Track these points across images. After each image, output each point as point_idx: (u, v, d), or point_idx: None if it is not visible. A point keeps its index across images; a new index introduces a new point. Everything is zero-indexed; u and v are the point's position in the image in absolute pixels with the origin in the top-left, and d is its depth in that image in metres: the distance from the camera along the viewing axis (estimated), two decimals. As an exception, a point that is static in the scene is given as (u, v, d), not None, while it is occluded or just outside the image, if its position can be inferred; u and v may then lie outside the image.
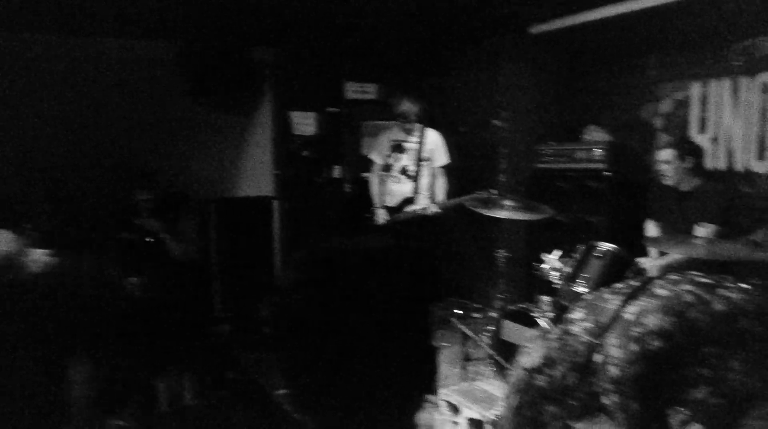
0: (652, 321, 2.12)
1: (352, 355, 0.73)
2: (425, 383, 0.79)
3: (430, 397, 3.85)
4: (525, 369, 2.23)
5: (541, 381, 2.19)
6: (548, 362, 2.17)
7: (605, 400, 2.17)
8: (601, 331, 2.21)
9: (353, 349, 0.73)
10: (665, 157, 3.67)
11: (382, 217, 4.96)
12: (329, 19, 5.19)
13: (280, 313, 0.75)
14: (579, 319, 2.33)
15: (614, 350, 2.14)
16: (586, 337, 2.21)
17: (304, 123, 5.82)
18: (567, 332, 2.28)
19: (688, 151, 3.63)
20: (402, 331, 0.75)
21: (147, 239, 4.10)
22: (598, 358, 2.21)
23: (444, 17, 5.48)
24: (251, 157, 5.65)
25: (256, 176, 5.69)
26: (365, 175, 5.90)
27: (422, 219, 4.84)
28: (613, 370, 2.14)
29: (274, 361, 0.77)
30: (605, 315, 2.27)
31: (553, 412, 2.22)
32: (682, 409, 2.11)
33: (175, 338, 4.18)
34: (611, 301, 2.32)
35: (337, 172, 6.01)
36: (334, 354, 0.72)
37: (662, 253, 3.79)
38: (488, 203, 4.15)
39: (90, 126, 4.88)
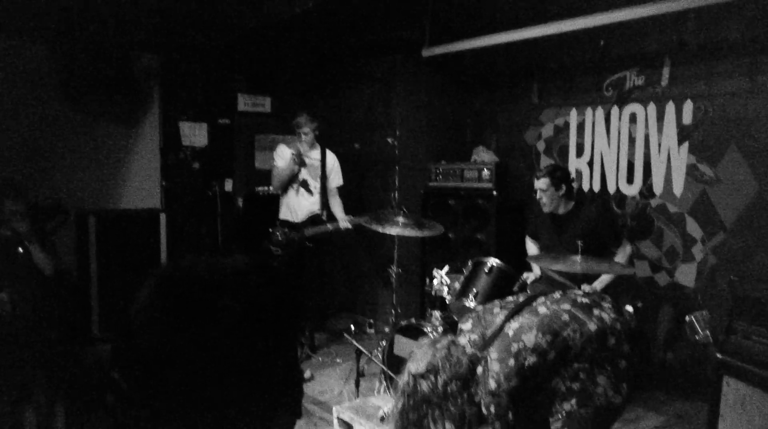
0: (529, 338, 2.25)
1: (208, 382, 0.70)
2: (289, 408, 0.77)
3: (321, 414, 3.80)
4: (411, 374, 2.30)
5: (425, 387, 2.25)
6: (433, 370, 2.24)
7: (484, 410, 2.26)
8: (485, 344, 2.32)
9: (210, 376, 0.70)
10: (541, 185, 3.90)
11: (281, 234, 4.87)
12: (220, 28, 5.10)
13: (127, 340, 0.71)
14: (467, 330, 2.43)
15: (494, 364, 2.25)
16: (470, 350, 2.30)
17: (195, 134, 5.62)
18: (454, 342, 2.36)
19: (561, 179, 3.89)
20: (261, 355, 0.73)
21: (17, 250, 3.76)
22: (479, 369, 2.31)
23: (337, 34, 5.56)
24: (137, 168, 5.36)
25: (143, 188, 5.41)
26: (260, 189, 5.82)
27: (330, 235, 4.86)
28: (492, 383, 2.25)
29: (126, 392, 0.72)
30: (491, 328, 2.38)
31: (434, 417, 2.29)
32: (557, 416, 2.24)
33: (45, 361, 3.87)
34: (498, 315, 2.44)
35: (229, 185, 5.85)
36: (190, 381, 0.69)
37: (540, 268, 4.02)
38: (382, 220, 4.21)
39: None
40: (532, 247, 4.33)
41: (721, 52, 4.04)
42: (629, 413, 3.79)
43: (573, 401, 2.22)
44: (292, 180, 4.93)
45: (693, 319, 3.85)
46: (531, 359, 2.16)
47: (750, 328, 2.25)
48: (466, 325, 2.42)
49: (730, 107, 4.01)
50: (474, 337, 2.33)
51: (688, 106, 4.19)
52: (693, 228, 4.23)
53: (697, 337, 3.83)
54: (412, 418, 2.21)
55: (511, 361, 2.16)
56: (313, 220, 4.90)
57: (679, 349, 4.31)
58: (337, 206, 4.97)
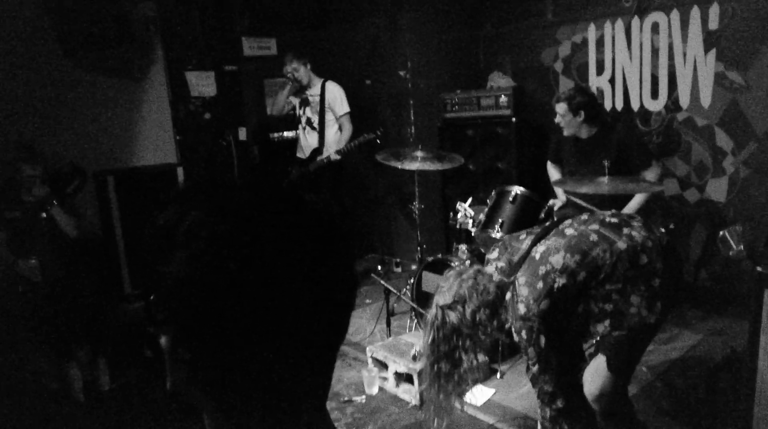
0: (557, 259, 2.19)
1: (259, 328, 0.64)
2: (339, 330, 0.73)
3: (356, 354, 3.84)
4: (439, 306, 2.27)
5: (453, 317, 2.23)
6: (460, 300, 2.21)
7: (515, 336, 2.24)
8: (512, 269, 2.27)
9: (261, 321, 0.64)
10: (560, 110, 3.77)
11: (294, 172, 5.09)
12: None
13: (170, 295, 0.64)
14: (494, 259, 2.38)
15: (522, 289, 2.21)
16: (497, 277, 2.26)
17: (203, 83, 5.50)
18: (480, 271, 2.32)
19: (580, 105, 3.73)
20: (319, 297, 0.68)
21: (40, 216, 3.78)
22: (508, 295, 2.27)
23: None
24: (149, 123, 5.29)
25: (156, 143, 5.36)
26: (275, 135, 5.77)
27: (329, 167, 4.91)
28: (521, 307, 2.21)
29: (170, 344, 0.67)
30: (517, 254, 2.32)
31: (465, 347, 2.28)
32: (590, 341, 2.20)
33: (83, 321, 3.95)
34: (525, 241, 2.38)
35: (242, 133, 5.78)
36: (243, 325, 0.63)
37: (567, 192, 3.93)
38: (399, 156, 4.12)
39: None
40: (554, 173, 4.22)
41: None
42: (664, 333, 3.77)
43: (606, 322, 2.18)
44: (298, 120, 5.09)
45: (726, 234, 3.75)
46: (560, 280, 2.12)
47: (791, 240, 2.16)
48: (492, 255, 2.38)
49: (759, 7, 3.76)
50: (501, 264, 2.29)
51: (714, 9, 3.95)
52: (723, 140, 4.07)
53: (731, 253, 3.74)
54: (444, 350, 2.22)
55: (540, 284, 2.12)
56: (312, 154, 5.03)
57: (712, 266, 4.24)
58: (345, 134, 5.00)
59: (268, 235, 0.64)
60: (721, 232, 3.77)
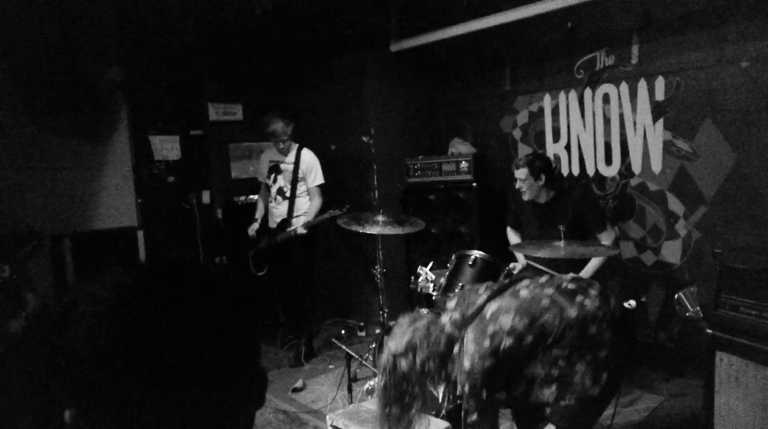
0: (506, 320, 2.23)
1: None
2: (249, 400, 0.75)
3: (316, 423, 3.74)
4: (391, 353, 2.29)
5: (404, 365, 2.25)
6: (411, 348, 2.23)
7: (459, 388, 2.24)
8: (464, 323, 2.30)
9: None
10: (521, 175, 3.86)
11: (252, 229, 4.99)
12: (183, 36, 5.01)
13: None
14: (450, 309, 2.41)
15: (470, 345, 2.23)
16: (449, 328, 2.30)
17: (167, 147, 5.52)
18: (433, 322, 2.34)
19: (541, 168, 3.84)
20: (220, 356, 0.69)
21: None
22: (456, 348, 2.29)
23: (302, 32, 5.49)
24: (111, 186, 5.25)
25: (118, 206, 5.30)
26: (238, 199, 5.75)
27: (296, 239, 4.77)
28: (467, 363, 2.22)
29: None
30: (471, 308, 2.35)
31: (414, 393, 2.29)
32: (547, 410, 2.19)
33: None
34: (481, 296, 2.41)
35: (206, 196, 5.76)
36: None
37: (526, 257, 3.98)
38: (361, 220, 4.15)
39: None
40: (513, 238, 4.29)
41: (688, 25, 4.02)
42: (626, 396, 3.76)
43: (553, 387, 2.19)
44: (269, 191, 4.96)
45: (682, 295, 3.84)
46: (507, 341, 2.15)
47: (737, 301, 2.21)
48: (450, 304, 2.43)
49: (701, 80, 3.99)
50: (456, 316, 2.33)
51: (660, 82, 4.17)
52: (674, 204, 4.21)
53: (687, 314, 3.81)
54: (394, 395, 2.24)
55: (487, 342, 2.15)
56: (280, 225, 4.87)
57: (670, 328, 4.29)
58: (314, 205, 4.85)
59: (157, 311, 0.67)
60: (676, 295, 3.85)
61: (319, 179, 4.88)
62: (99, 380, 0.64)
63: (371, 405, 3.62)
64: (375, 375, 3.95)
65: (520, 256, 4.10)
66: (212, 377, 0.68)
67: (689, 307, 3.71)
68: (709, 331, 2.29)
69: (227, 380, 0.70)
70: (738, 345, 2.17)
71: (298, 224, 4.77)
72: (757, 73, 3.75)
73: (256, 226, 5.01)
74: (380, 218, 4.11)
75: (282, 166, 4.88)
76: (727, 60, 3.86)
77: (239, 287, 0.75)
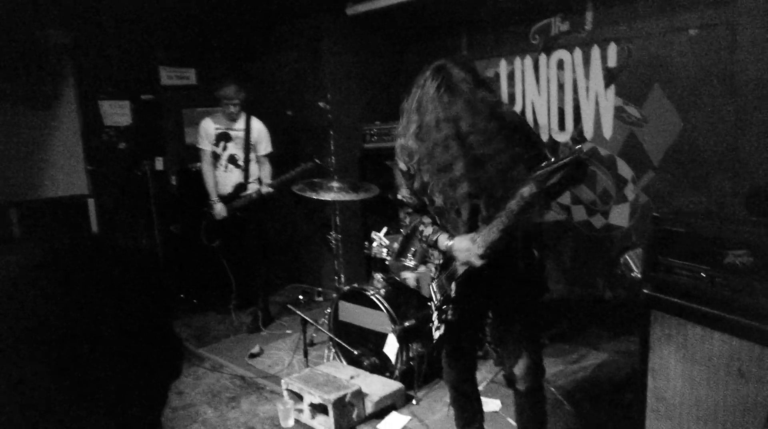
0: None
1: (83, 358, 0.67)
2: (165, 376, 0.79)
3: (272, 387, 3.77)
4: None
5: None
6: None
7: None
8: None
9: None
10: None
11: (220, 210, 4.76)
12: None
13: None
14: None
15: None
16: None
17: (117, 113, 5.37)
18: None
19: None
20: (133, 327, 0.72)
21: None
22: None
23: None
24: (58, 153, 5.10)
25: (67, 174, 5.16)
26: (193, 165, 5.63)
27: (257, 202, 4.74)
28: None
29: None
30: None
31: None
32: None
33: None
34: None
35: (160, 163, 5.64)
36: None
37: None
38: (315, 186, 4.14)
39: None
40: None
41: (640, -8, 4.06)
42: (572, 354, 3.90)
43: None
44: (217, 158, 4.82)
45: (627, 257, 3.96)
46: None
47: (672, 262, 2.30)
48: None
49: (651, 47, 4.05)
50: None
51: (612, 49, 4.22)
52: (624, 169, 4.31)
53: (632, 275, 3.94)
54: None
55: None
56: (237, 189, 4.81)
57: (617, 289, 4.44)
58: (265, 172, 4.85)
59: (55, 291, 0.68)
60: (622, 257, 3.97)
61: (269, 148, 4.86)
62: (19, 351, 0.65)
63: (326, 368, 3.67)
64: (330, 340, 3.99)
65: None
66: (118, 351, 0.70)
67: (634, 268, 3.84)
68: (645, 290, 2.37)
69: (135, 354, 0.72)
70: (671, 304, 2.26)
71: (253, 190, 4.74)
72: (704, 40, 3.82)
73: (221, 206, 4.78)
74: (335, 184, 4.11)
75: (232, 133, 4.79)
76: (676, 27, 3.92)
77: (151, 262, 0.77)
